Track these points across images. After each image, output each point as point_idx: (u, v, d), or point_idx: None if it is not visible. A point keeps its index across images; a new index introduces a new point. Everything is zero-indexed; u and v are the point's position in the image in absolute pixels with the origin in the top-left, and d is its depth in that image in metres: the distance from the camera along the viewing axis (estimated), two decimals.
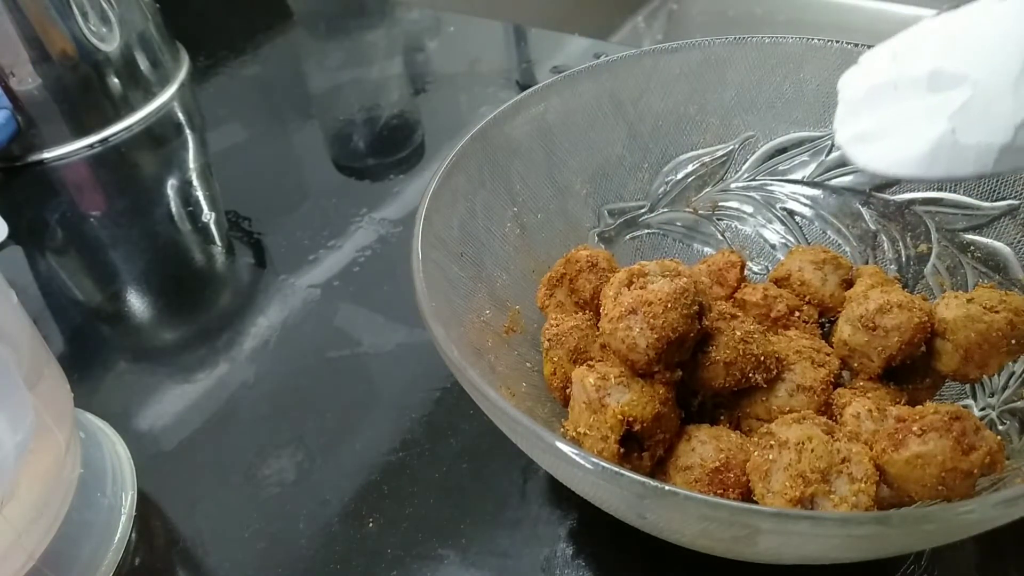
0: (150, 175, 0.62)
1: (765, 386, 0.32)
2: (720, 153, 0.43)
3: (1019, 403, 0.32)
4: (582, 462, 0.25)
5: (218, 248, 0.54)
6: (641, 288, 0.30)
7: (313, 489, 0.38)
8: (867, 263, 0.40)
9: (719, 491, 0.29)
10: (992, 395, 0.34)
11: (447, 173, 0.36)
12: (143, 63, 0.67)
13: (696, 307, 0.30)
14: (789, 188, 0.43)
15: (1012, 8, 0.23)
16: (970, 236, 0.37)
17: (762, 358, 0.31)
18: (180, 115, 0.68)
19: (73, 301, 0.53)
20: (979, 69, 0.23)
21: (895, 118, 0.25)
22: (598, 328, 0.33)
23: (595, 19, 0.99)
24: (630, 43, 1.00)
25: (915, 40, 0.25)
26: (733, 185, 0.44)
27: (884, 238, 0.40)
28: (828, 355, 0.33)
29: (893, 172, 0.25)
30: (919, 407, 0.28)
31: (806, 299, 0.37)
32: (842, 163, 0.42)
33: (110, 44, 0.64)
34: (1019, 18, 0.23)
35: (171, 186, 0.60)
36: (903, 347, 0.31)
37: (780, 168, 0.43)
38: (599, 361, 0.31)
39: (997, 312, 0.31)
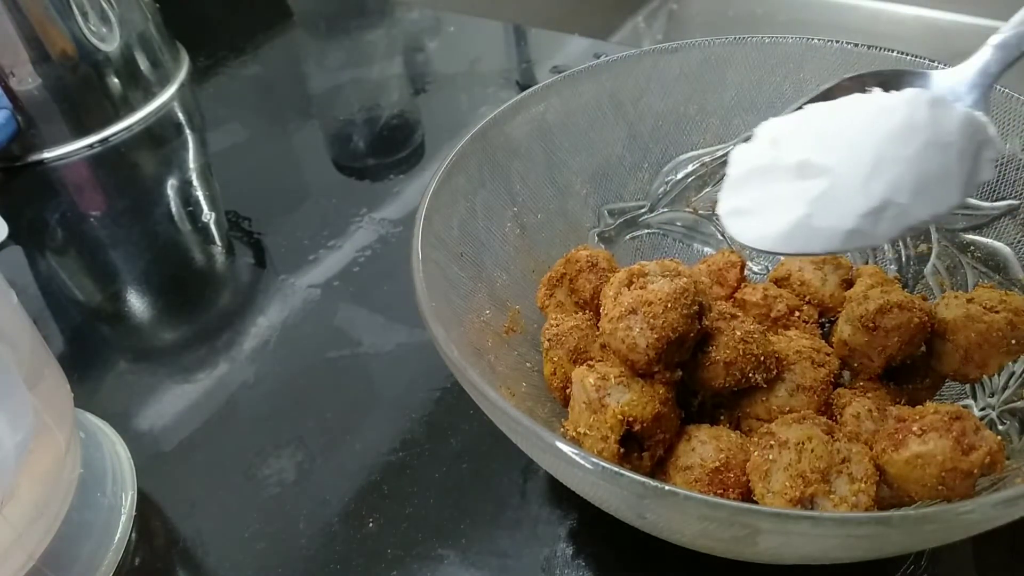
0: (150, 175, 0.62)
1: (765, 386, 0.32)
2: (720, 153, 0.43)
3: (1019, 403, 0.32)
4: (582, 462, 0.25)
5: (218, 248, 0.55)
6: (641, 288, 0.30)
7: (313, 489, 0.38)
8: (867, 263, 0.40)
9: (719, 491, 0.29)
10: (992, 395, 0.34)
11: (447, 173, 0.36)
12: (143, 63, 0.67)
13: (696, 307, 0.30)
14: None
15: (872, 106, 0.27)
16: (970, 236, 0.37)
17: (762, 358, 0.31)
18: (180, 115, 0.68)
19: (73, 301, 0.53)
20: (839, 163, 0.27)
21: (766, 199, 0.28)
22: (598, 328, 0.33)
23: (595, 19, 0.99)
24: (630, 43, 1.00)
25: (795, 128, 0.28)
26: None
27: None
28: (828, 355, 0.33)
29: (756, 246, 0.29)
30: (919, 407, 0.28)
31: (806, 299, 0.37)
32: None
33: (110, 44, 0.64)
34: (876, 116, 0.27)
35: (171, 186, 0.60)
36: (903, 347, 0.31)
37: None
38: (599, 361, 0.31)
39: (997, 312, 0.31)
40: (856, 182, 0.26)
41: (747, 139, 0.30)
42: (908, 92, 0.27)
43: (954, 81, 0.29)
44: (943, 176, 0.27)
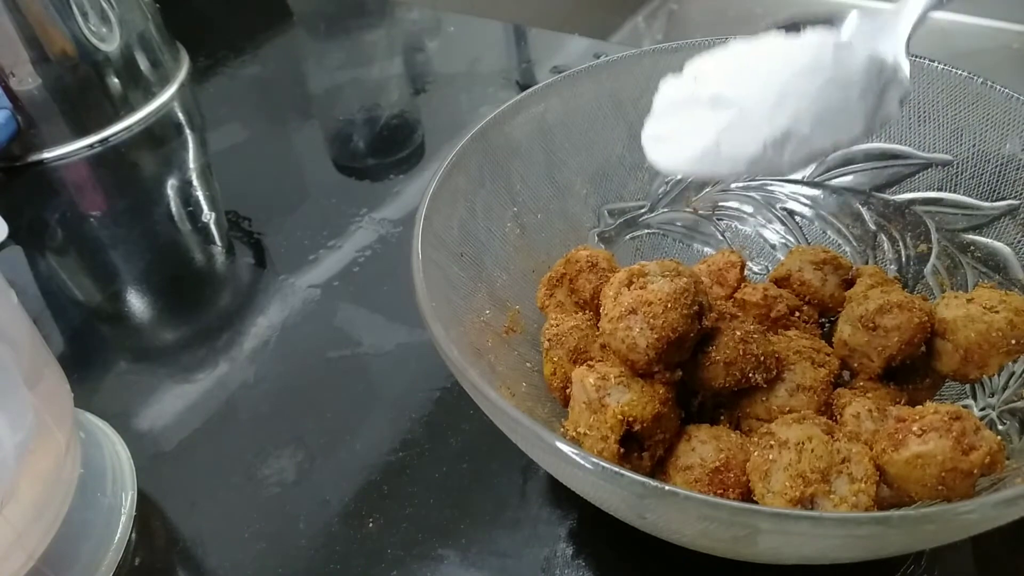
0: (150, 175, 0.62)
1: (765, 386, 0.32)
2: None
3: (1019, 403, 0.32)
4: (582, 462, 0.25)
5: (218, 248, 0.54)
6: (641, 288, 0.30)
7: (313, 489, 0.38)
8: (867, 263, 0.40)
9: (719, 491, 0.29)
10: (992, 395, 0.34)
11: (447, 173, 0.36)
12: (143, 63, 0.67)
13: (696, 307, 0.30)
14: (789, 188, 0.43)
15: (784, 47, 0.29)
16: (970, 236, 0.37)
17: (762, 358, 0.31)
18: (180, 115, 0.68)
19: (73, 301, 0.53)
20: (748, 96, 0.29)
21: (682, 127, 0.30)
22: (598, 328, 0.33)
23: (595, 19, 1.00)
24: (630, 43, 1.00)
25: (715, 64, 0.30)
26: (733, 185, 0.44)
27: (884, 238, 0.40)
28: (828, 355, 0.33)
29: (669, 169, 0.31)
30: (919, 407, 0.28)
31: (806, 299, 0.37)
32: (843, 163, 0.42)
33: (110, 44, 0.64)
34: (786, 56, 0.29)
35: (171, 186, 0.60)
36: (903, 347, 0.31)
37: None
38: (599, 361, 0.31)
39: (997, 312, 0.31)
40: (762, 113, 0.29)
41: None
42: (818, 35, 0.29)
43: (873, 27, 0.31)
44: (844, 110, 0.29)
